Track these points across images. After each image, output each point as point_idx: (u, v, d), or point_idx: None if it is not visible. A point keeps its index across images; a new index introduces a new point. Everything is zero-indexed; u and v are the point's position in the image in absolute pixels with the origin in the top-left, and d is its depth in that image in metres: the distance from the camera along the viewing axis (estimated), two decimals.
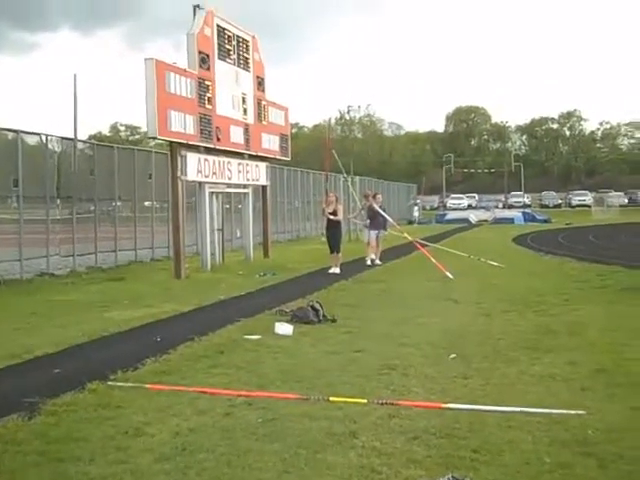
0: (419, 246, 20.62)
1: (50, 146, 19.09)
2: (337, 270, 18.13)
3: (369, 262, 20.07)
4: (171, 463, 4.91)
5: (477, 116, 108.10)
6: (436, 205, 75.39)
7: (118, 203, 22.21)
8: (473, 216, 58.25)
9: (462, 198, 77.39)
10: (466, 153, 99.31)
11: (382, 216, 20.74)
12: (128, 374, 7.39)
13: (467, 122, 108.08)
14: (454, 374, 7.27)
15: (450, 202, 75.69)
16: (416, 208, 57.10)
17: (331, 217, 18.66)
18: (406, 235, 21.30)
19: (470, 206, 73.90)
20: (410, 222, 50.97)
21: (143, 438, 5.42)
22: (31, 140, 18.73)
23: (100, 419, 5.90)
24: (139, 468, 4.81)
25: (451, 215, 59.66)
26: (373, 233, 20.51)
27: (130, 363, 7.80)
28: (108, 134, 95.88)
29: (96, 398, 6.53)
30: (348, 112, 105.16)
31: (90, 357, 8.49)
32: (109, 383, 7.01)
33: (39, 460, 4.97)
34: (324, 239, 20.05)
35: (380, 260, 20.41)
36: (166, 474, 4.72)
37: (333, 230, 18.92)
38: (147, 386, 6.85)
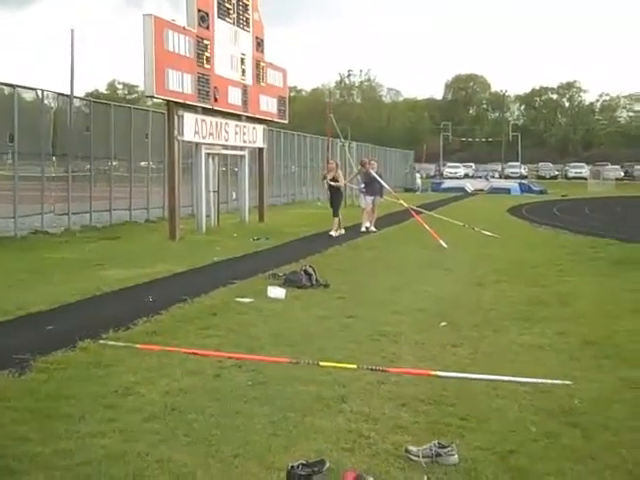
0: (414, 214, 20.62)
1: (46, 102, 18.95)
2: (334, 233, 18.59)
3: (364, 229, 20.07)
4: (160, 422, 4.95)
5: (476, 84, 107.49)
6: (433, 173, 75.16)
7: (114, 162, 22.11)
8: (469, 185, 58.22)
9: (459, 167, 77.20)
10: (464, 121, 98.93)
11: (378, 182, 20.70)
12: (120, 333, 7.41)
13: (466, 90, 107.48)
14: (444, 342, 7.32)
15: (447, 170, 75.52)
16: (418, 176, 57.05)
17: (332, 184, 19.49)
18: (402, 202, 21.28)
19: (467, 175, 73.76)
20: (408, 190, 50.85)
21: (133, 397, 5.46)
22: (27, 95, 18.59)
23: (91, 377, 5.94)
24: (128, 427, 4.84)
25: (447, 184, 59.60)
26: (369, 199, 20.48)
27: (122, 322, 7.82)
28: (105, 92, 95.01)
29: (87, 356, 6.57)
30: (348, 76, 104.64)
31: (82, 315, 8.53)
32: (101, 342, 7.04)
33: (28, 417, 5.00)
34: (319, 204, 20.24)
35: (375, 227, 20.40)
36: (155, 433, 4.75)
37: (334, 195, 19.73)
38: (138, 346, 6.88)
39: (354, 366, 6.29)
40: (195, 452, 4.47)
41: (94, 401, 5.35)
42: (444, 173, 74.66)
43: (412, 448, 4.47)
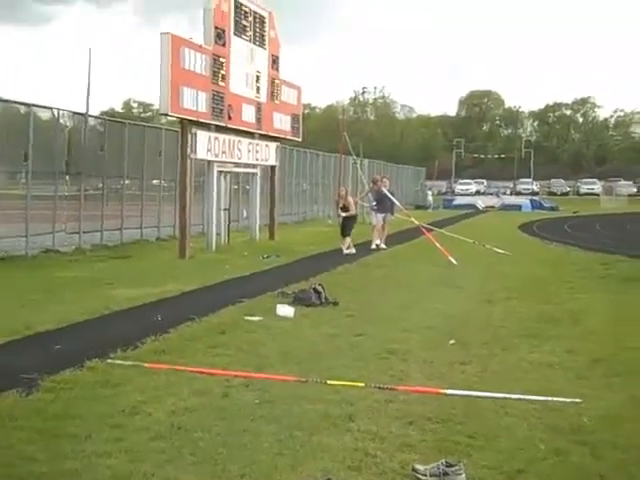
0: (425, 231, 20.60)
1: (61, 121, 19.09)
2: (346, 250, 18.66)
3: (374, 246, 20.05)
4: (166, 441, 4.95)
5: (490, 100, 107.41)
6: (444, 190, 75.03)
7: (126, 181, 22.20)
8: (480, 202, 58.10)
9: (470, 183, 77.06)
10: (477, 138, 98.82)
11: (389, 200, 20.72)
12: (128, 352, 7.42)
13: (480, 106, 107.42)
14: (453, 360, 7.30)
15: (458, 187, 75.35)
16: (429, 193, 57.03)
17: (344, 214, 19.29)
18: (413, 220, 21.25)
19: (478, 192, 73.60)
20: (419, 207, 50.79)
21: (140, 416, 5.46)
22: (43, 114, 18.72)
23: (98, 397, 5.94)
24: (134, 446, 4.84)
25: (458, 200, 59.47)
26: (380, 216, 20.48)
27: (130, 342, 7.82)
28: (121, 110, 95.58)
29: (95, 376, 6.57)
30: (362, 93, 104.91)
31: (91, 335, 8.53)
32: (108, 361, 7.04)
33: (35, 436, 5.01)
34: (330, 222, 20.32)
35: (385, 244, 20.38)
36: (161, 452, 4.75)
37: (345, 221, 19.41)
38: (146, 365, 6.88)
39: (362, 384, 6.27)
40: (201, 472, 4.47)
41: (101, 420, 5.34)
42: (455, 190, 74.52)
43: (419, 467, 4.45)
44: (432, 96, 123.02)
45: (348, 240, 18.90)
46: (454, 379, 6.57)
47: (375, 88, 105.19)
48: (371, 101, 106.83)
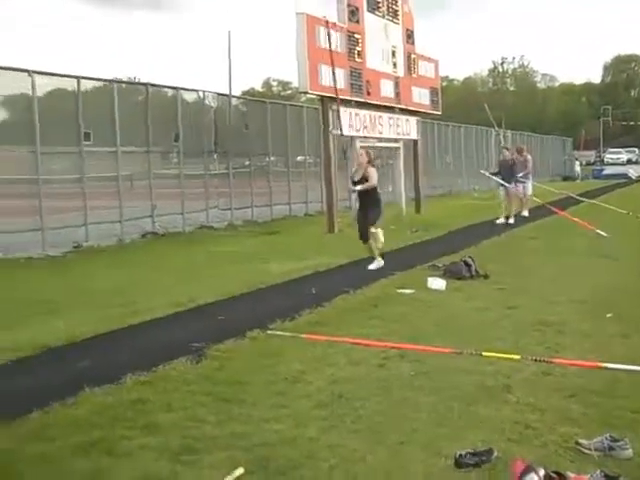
0: (557, 210, 19.95)
1: (207, 102, 19.80)
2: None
3: (525, 213, 19.78)
4: (328, 409, 5.10)
5: (638, 65, 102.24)
6: (592, 160, 72.17)
7: (271, 158, 22.75)
8: (632, 171, 55.55)
9: (621, 152, 73.60)
10: (625, 104, 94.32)
11: (528, 172, 20.34)
12: (286, 324, 7.68)
13: (627, 72, 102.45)
14: (611, 333, 7.10)
15: (608, 157, 72.21)
16: (577, 163, 55.20)
17: (357, 188, 12.10)
18: (559, 191, 20.66)
19: (630, 161, 70.35)
20: (566, 178, 49.21)
21: (301, 385, 5.65)
22: (189, 97, 19.47)
23: (260, 365, 6.20)
24: (298, 412, 5.03)
25: (608, 170, 57.10)
26: (520, 187, 20.10)
27: (287, 313, 8.09)
28: (261, 89, 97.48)
29: (256, 345, 6.88)
30: (502, 64, 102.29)
31: (249, 307, 8.89)
32: (268, 332, 7.32)
33: (205, 400, 5.30)
34: (476, 195, 19.60)
35: (528, 213, 20.03)
36: (323, 419, 4.91)
37: (364, 200, 12.19)
38: (303, 336, 7.10)
39: (518, 357, 6.22)
40: (363, 438, 4.58)
41: (265, 388, 5.58)
42: (605, 159, 71.54)
43: (583, 441, 4.38)
44: (574, 63, 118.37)
45: (379, 233, 12.15)
46: (615, 352, 6.37)
47: (514, 58, 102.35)
48: (510, 72, 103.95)
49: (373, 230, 11.92)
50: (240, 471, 4.00)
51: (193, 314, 8.50)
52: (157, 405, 5.20)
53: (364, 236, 11.89)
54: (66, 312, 8.60)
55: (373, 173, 11.95)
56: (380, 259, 11.78)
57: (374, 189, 11.99)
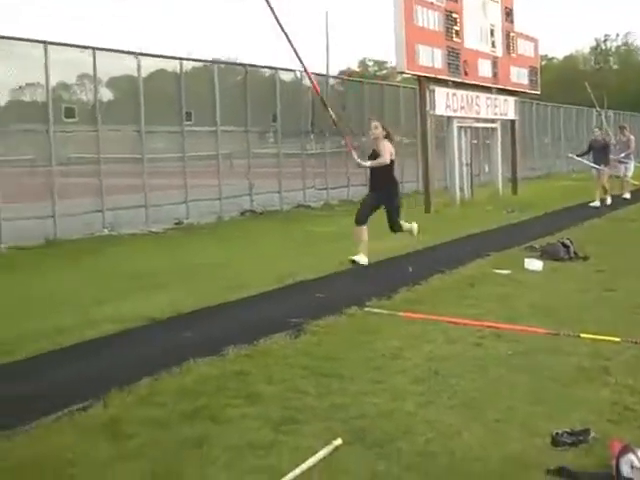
0: None
1: (304, 82, 19.98)
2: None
3: (627, 195, 19.25)
4: (425, 385, 5.19)
5: None
6: None
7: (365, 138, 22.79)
8: None
9: None
10: None
11: (630, 152, 19.75)
12: (382, 302, 7.79)
13: None
14: None
15: None
16: None
17: (365, 164, 10.61)
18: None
19: None
20: None
21: (399, 361, 5.75)
22: (286, 77, 19.70)
23: (358, 341, 6.33)
24: (395, 387, 5.14)
25: None
26: (622, 167, 19.56)
27: (384, 292, 8.20)
28: (357, 69, 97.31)
29: (354, 322, 7.01)
30: (605, 41, 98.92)
31: (346, 285, 9.04)
32: (365, 309, 7.46)
33: (305, 373, 5.46)
34: (574, 176, 18.99)
35: (630, 195, 19.49)
36: (420, 394, 5.00)
37: (378, 183, 10.55)
38: (400, 314, 7.20)
39: (617, 339, 6.16)
40: (459, 414, 4.65)
41: (363, 363, 5.70)
42: None
43: None
44: None
45: (414, 227, 11.16)
46: None
47: (617, 35, 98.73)
48: (614, 50, 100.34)
49: (407, 225, 10.88)
50: (338, 442, 4.13)
51: (291, 291, 8.71)
52: (258, 377, 5.39)
53: (361, 219, 10.46)
54: (170, 286, 8.94)
55: (388, 148, 10.21)
56: (364, 256, 10.23)
57: (388, 168, 10.29)
